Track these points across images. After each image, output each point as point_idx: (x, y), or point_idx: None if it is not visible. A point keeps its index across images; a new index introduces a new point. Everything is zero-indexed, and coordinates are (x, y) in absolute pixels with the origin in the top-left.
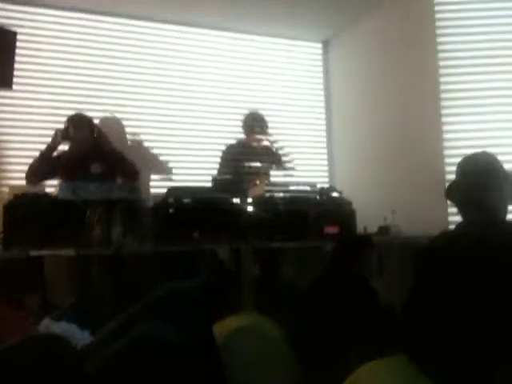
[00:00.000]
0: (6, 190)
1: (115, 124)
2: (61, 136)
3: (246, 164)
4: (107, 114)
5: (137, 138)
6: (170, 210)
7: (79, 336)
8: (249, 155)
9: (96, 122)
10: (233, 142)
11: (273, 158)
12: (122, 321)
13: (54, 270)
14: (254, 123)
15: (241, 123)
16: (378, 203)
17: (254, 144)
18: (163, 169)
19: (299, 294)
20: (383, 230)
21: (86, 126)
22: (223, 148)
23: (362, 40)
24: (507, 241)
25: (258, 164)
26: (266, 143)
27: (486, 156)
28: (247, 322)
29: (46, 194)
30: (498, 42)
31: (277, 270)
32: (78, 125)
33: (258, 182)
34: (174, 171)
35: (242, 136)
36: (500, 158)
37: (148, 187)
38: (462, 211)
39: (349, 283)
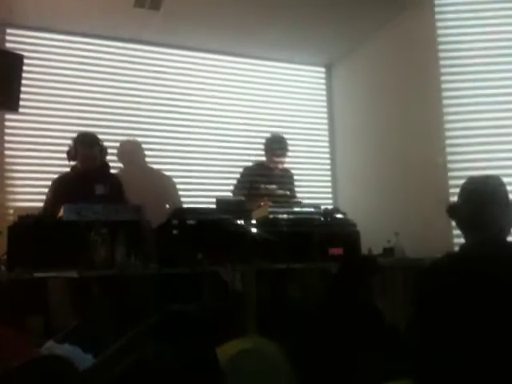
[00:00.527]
0: (11, 211)
1: (135, 147)
2: (68, 156)
3: (263, 186)
4: (129, 138)
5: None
6: (174, 232)
7: (82, 358)
8: (267, 177)
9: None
10: (250, 164)
11: (291, 181)
12: (125, 343)
13: (57, 292)
14: (275, 145)
15: (263, 146)
16: (382, 225)
17: (272, 165)
18: (175, 202)
19: (303, 316)
20: (387, 251)
21: (96, 145)
22: (240, 170)
23: (363, 64)
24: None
25: (274, 186)
26: (284, 166)
27: (491, 178)
28: (250, 344)
29: (51, 216)
30: (501, 64)
31: (280, 292)
32: (88, 143)
33: (262, 203)
34: (182, 192)
35: (262, 158)
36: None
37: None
38: (464, 231)
39: (353, 304)
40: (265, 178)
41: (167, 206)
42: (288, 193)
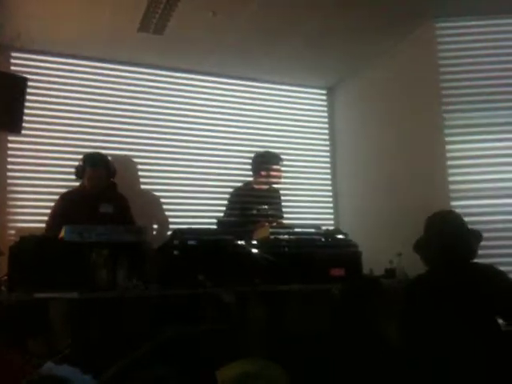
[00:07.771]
0: (12, 232)
1: (129, 164)
2: (75, 174)
3: (253, 207)
4: (120, 153)
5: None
6: (175, 252)
7: (81, 379)
8: (257, 198)
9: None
10: (239, 184)
11: (280, 200)
12: (126, 364)
13: (58, 313)
14: (273, 160)
15: (252, 163)
16: (383, 246)
17: (263, 187)
18: (162, 220)
19: (305, 338)
20: (389, 272)
21: (102, 166)
22: (230, 191)
23: (365, 86)
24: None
25: (265, 206)
26: (274, 185)
27: (453, 215)
28: (253, 367)
29: (52, 236)
30: (503, 86)
31: (282, 314)
32: (95, 164)
33: (265, 223)
34: (180, 213)
35: (249, 179)
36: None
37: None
38: (429, 265)
39: (356, 326)
40: (255, 199)
41: (154, 225)
42: (276, 212)
